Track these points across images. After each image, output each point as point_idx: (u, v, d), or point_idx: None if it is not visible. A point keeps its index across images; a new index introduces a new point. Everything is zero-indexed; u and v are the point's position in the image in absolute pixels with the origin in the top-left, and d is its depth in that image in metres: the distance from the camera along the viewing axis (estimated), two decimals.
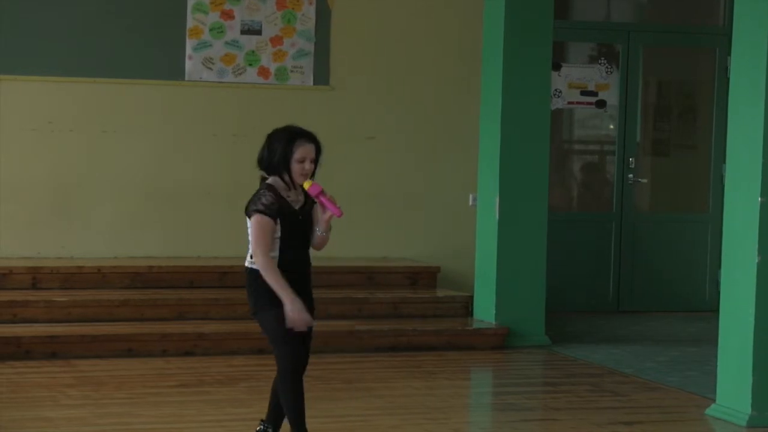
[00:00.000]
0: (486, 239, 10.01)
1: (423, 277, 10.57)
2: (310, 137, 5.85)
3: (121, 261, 10.15)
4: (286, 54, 10.70)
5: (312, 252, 6.03)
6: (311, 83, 10.79)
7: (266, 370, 8.58)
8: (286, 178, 5.83)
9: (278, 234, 5.80)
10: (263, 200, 5.78)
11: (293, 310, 5.71)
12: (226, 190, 10.60)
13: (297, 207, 5.88)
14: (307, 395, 5.91)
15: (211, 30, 10.55)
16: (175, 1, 10.47)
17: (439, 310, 10.10)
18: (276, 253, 5.81)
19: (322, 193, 5.83)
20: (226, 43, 10.58)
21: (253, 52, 10.65)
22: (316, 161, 5.87)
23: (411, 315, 9.94)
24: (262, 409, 7.35)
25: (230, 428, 6.98)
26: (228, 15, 10.58)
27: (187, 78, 10.52)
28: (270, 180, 5.88)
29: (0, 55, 10.11)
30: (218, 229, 10.59)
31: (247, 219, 5.84)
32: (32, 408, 7.29)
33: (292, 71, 10.74)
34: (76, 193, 10.35)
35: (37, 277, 9.69)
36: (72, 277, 9.76)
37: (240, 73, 10.62)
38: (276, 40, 10.68)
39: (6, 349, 8.65)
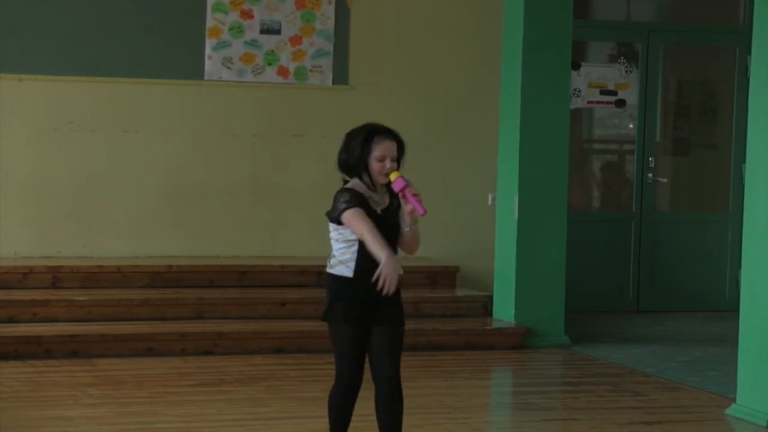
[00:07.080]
0: (505, 239, 9.99)
1: (442, 276, 10.55)
2: (390, 134, 5.41)
3: (141, 260, 10.16)
4: (305, 54, 10.70)
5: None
6: (330, 83, 10.78)
7: (286, 370, 8.60)
8: (366, 178, 5.40)
9: (355, 235, 5.36)
10: (342, 199, 5.34)
11: (387, 264, 5.20)
12: (245, 190, 10.62)
13: (379, 209, 5.42)
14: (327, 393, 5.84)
15: (230, 30, 10.55)
16: (195, 0, 10.49)
17: (459, 310, 10.09)
18: (353, 262, 5.40)
19: (407, 187, 5.34)
20: (246, 42, 10.59)
21: (272, 51, 10.65)
22: (399, 160, 5.44)
23: (430, 315, 9.92)
24: (281, 409, 7.38)
25: (250, 427, 6.99)
26: (247, 15, 10.59)
27: (206, 78, 10.53)
28: (350, 183, 5.44)
29: (21, 55, 10.14)
30: (238, 228, 10.60)
31: (330, 225, 5.42)
32: (52, 407, 7.31)
33: (311, 71, 10.74)
34: (96, 193, 10.36)
35: (57, 277, 9.71)
36: (92, 277, 9.77)
37: (259, 73, 10.63)
38: (295, 40, 10.68)
39: (27, 348, 8.68)
